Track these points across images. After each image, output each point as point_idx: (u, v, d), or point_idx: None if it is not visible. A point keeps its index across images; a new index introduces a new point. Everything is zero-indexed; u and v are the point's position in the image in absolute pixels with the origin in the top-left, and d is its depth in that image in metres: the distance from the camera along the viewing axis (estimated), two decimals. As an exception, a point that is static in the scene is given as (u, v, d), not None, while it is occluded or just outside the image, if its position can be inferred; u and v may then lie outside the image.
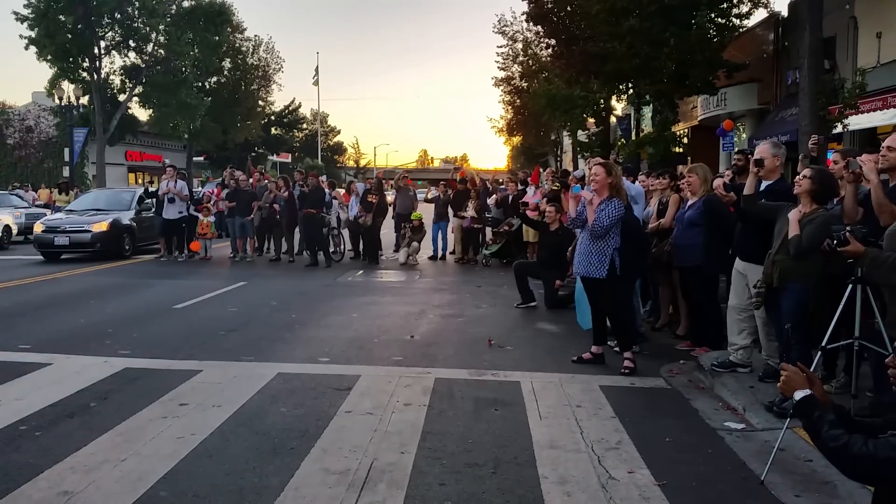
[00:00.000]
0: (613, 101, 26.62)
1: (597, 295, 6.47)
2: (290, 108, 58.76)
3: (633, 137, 21.58)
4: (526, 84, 36.45)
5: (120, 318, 8.62)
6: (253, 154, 49.17)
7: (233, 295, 10.58)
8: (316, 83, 65.76)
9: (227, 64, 42.57)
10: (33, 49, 32.19)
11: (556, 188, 11.46)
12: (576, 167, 28.79)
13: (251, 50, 45.31)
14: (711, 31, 16.91)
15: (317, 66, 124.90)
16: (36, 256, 15.36)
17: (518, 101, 39.73)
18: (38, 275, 12.78)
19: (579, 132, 29.67)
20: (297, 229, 15.21)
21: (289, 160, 60.80)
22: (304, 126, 66.38)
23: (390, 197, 18.28)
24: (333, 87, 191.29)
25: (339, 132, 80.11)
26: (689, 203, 7.02)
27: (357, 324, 8.44)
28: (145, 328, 8.06)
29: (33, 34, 31.80)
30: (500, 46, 38.00)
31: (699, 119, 22.80)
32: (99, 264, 14.21)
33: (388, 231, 17.05)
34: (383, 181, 17.79)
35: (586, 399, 5.40)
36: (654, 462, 4.14)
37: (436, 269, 14.46)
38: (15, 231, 19.22)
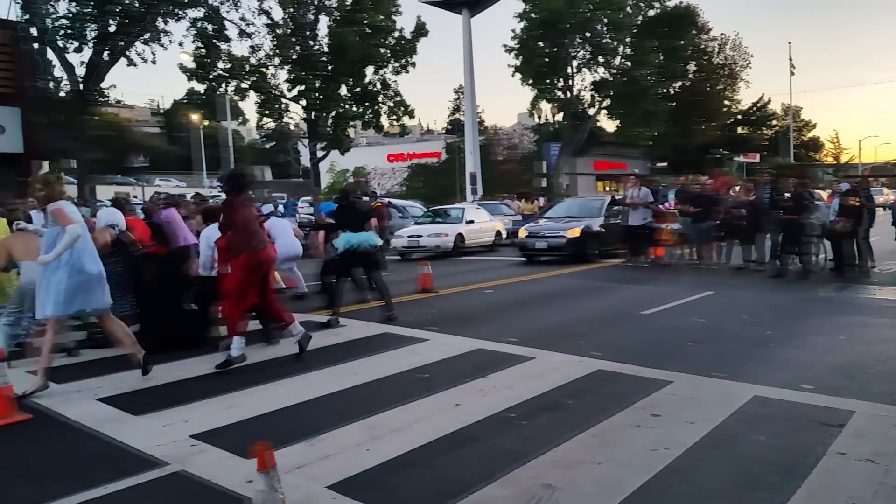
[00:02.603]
0: None
1: None
2: (758, 105, 55.25)
3: None
4: None
5: (590, 320, 9.12)
6: (717, 156, 47.75)
7: (698, 304, 10.25)
8: (791, 74, 60.04)
9: (691, 67, 42.21)
10: (518, 76, 37.15)
11: None
12: None
13: (716, 49, 44.05)
14: None
15: (790, 57, 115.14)
16: (517, 258, 17.45)
17: None
18: (521, 275, 14.44)
19: None
20: (766, 236, 14.04)
21: (756, 160, 57.19)
22: (774, 123, 61.62)
23: (882, 198, 15.51)
24: (809, 78, 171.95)
25: (814, 126, 72.37)
26: None
27: (845, 348, 7.28)
28: (614, 331, 8.36)
29: (518, 62, 36.71)
30: None
31: None
32: (569, 267, 15.37)
33: (880, 238, 14.53)
34: (870, 179, 15.22)
35: None
36: None
37: (950, 286, 11.72)
38: (504, 236, 22.27)
